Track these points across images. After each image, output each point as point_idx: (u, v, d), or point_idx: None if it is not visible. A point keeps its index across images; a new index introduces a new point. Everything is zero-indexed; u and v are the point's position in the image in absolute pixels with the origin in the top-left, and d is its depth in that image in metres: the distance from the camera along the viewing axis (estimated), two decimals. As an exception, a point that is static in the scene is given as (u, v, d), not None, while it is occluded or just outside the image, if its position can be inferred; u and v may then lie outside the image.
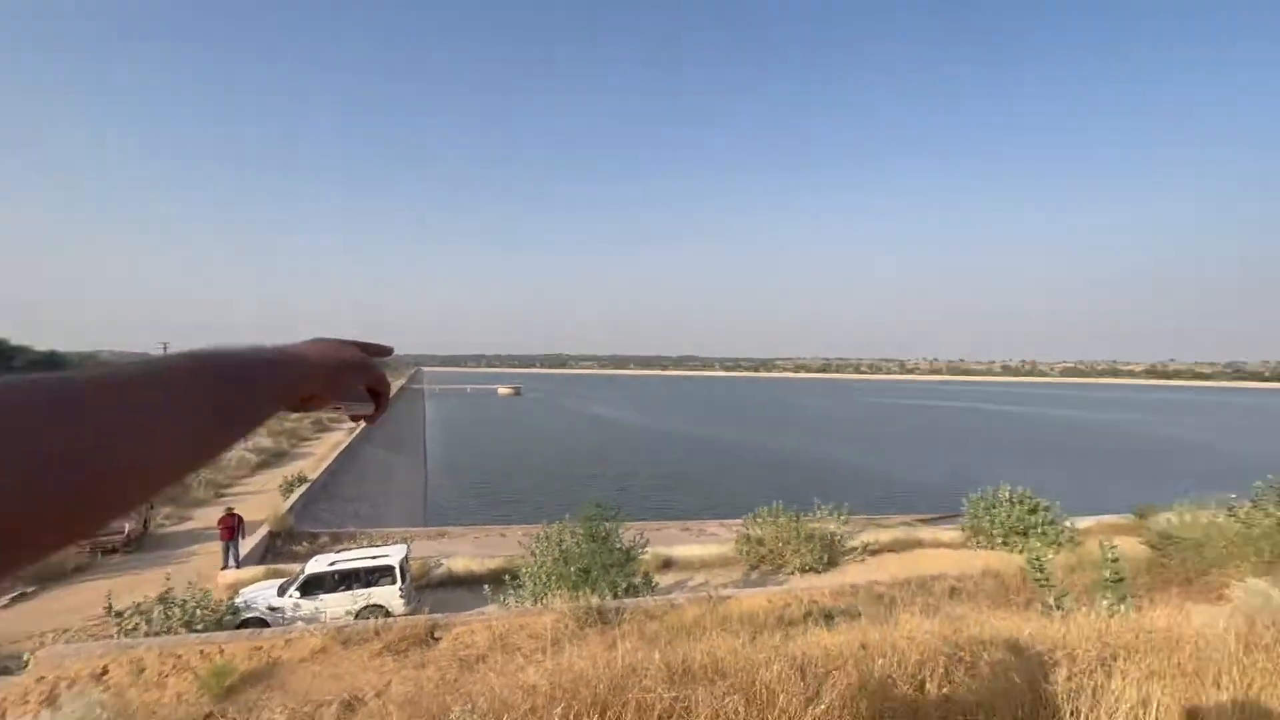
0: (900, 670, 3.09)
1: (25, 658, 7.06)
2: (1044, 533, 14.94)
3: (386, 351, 0.66)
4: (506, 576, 11.41)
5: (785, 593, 9.55)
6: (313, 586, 11.25)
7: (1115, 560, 5.99)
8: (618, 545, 11.15)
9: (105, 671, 6.50)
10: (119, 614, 8.92)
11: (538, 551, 11.41)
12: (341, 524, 19.24)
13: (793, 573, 14.11)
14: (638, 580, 11.28)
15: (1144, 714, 2.43)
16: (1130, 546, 10.20)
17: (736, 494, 29.76)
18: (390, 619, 7.78)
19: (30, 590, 12.04)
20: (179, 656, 6.86)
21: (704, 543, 16.73)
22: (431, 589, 14.24)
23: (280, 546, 16.16)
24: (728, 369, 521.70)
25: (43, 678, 6.35)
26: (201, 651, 6.91)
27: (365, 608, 11.20)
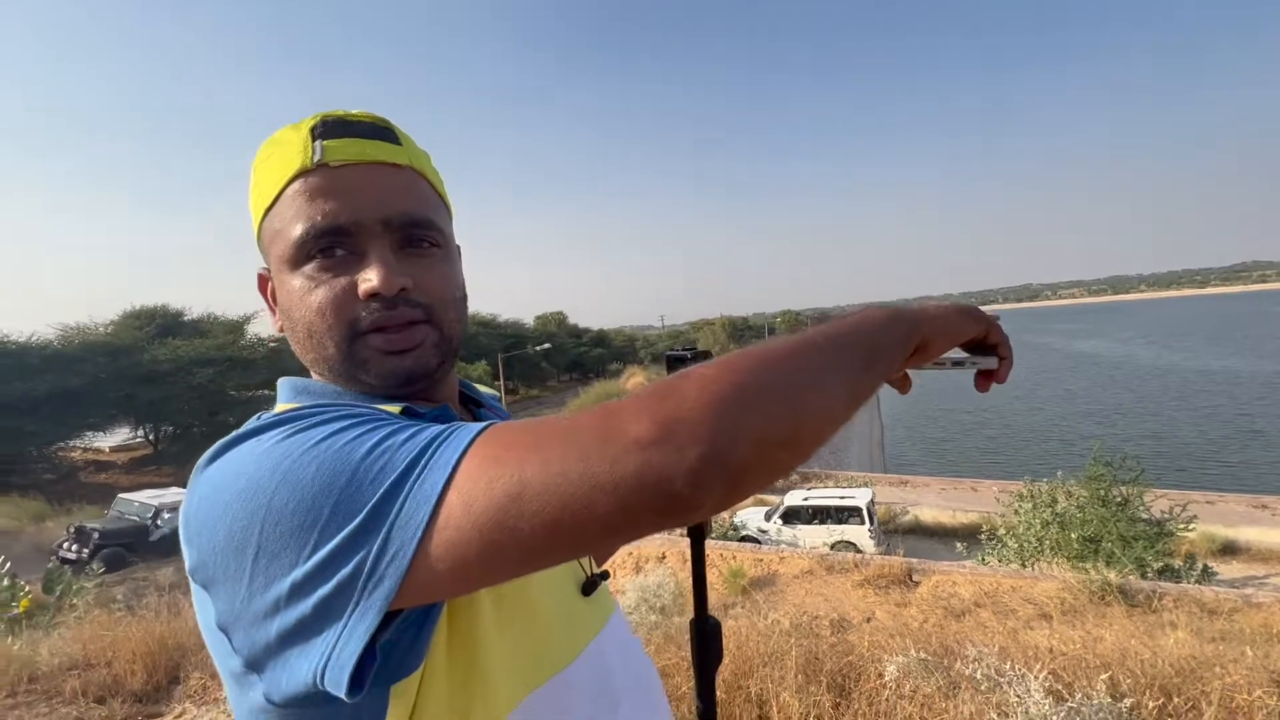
0: None
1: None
2: None
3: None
4: (983, 535, 10.47)
5: None
6: (791, 517, 12.84)
7: None
8: (1142, 515, 8.86)
9: (664, 556, 8.96)
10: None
11: (1022, 511, 10.07)
12: (808, 464, 21.19)
13: None
14: (1177, 563, 8.76)
15: None
16: None
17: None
18: (864, 555, 8.21)
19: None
20: (705, 554, 8.87)
21: (1295, 527, 11.77)
22: (900, 534, 14.33)
23: (761, 480, 18.86)
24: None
25: (630, 553, 9.24)
26: (720, 554, 8.75)
27: (839, 542, 12.14)
